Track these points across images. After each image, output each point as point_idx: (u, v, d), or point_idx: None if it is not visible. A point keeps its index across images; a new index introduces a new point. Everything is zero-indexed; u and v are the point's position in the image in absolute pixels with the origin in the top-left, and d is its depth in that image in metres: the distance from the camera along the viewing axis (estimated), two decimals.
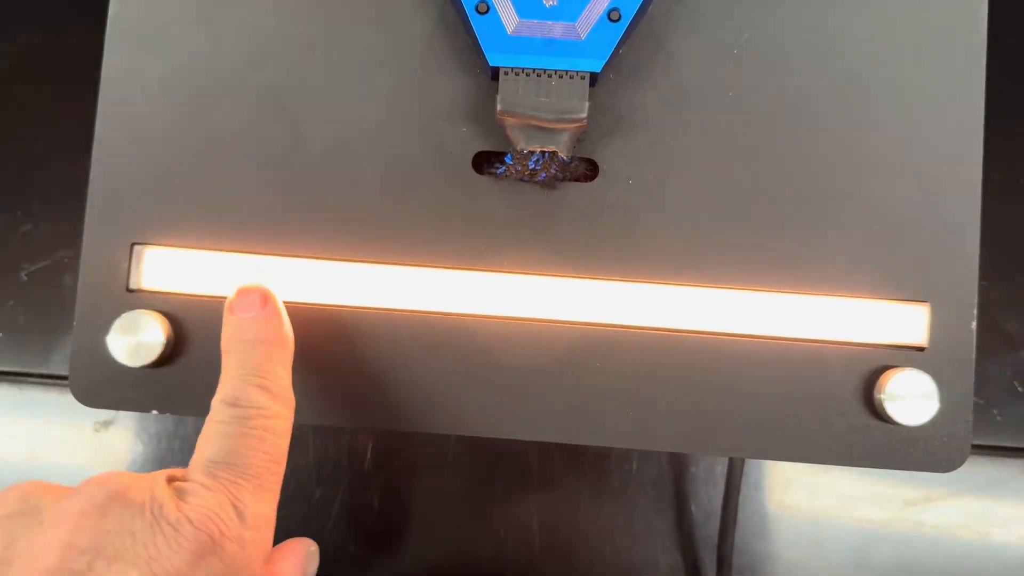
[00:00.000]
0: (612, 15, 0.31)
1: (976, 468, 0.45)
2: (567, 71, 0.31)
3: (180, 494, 0.25)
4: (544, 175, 0.32)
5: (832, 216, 0.33)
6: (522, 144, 0.31)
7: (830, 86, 0.33)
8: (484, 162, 0.33)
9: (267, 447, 0.27)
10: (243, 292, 0.30)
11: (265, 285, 0.31)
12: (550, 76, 0.31)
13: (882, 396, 0.32)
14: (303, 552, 0.30)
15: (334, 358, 0.32)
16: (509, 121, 0.31)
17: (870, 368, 0.32)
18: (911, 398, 0.32)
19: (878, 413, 0.32)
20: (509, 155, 0.32)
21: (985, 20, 0.33)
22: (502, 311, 0.33)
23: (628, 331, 0.33)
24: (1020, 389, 0.45)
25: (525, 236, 0.33)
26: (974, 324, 0.33)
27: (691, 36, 0.33)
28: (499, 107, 0.31)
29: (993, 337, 0.45)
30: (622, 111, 0.33)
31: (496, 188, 0.33)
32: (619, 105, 0.33)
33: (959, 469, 0.37)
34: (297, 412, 0.29)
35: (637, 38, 0.33)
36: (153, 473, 0.27)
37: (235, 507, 0.25)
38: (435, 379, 0.32)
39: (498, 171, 0.33)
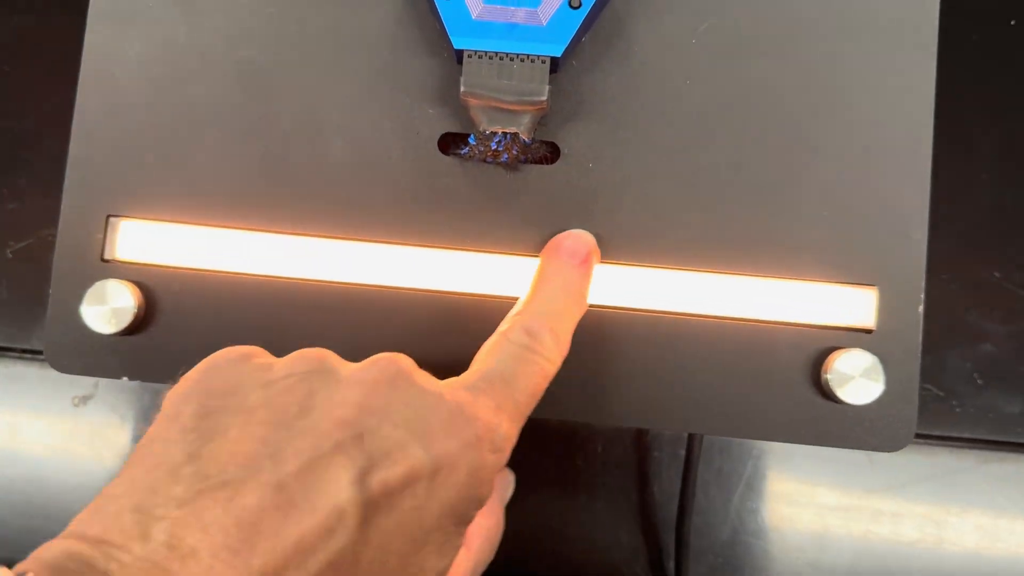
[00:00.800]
0: (572, 2, 0.32)
1: (935, 459, 0.46)
2: (529, 55, 0.32)
3: (462, 388, 0.27)
4: (506, 156, 0.33)
5: (785, 201, 0.34)
6: (484, 125, 0.32)
7: (786, 75, 0.34)
8: (450, 143, 0.34)
9: (535, 386, 0.29)
10: (573, 236, 0.33)
11: (592, 242, 0.33)
12: (512, 60, 0.32)
13: (829, 376, 0.33)
14: (504, 476, 0.33)
15: (298, 331, 0.34)
16: (472, 103, 0.32)
17: (819, 349, 0.33)
18: (857, 378, 0.33)
19: (825, 392, 0.33)
20: (472, 136, 0.33)
21: (937, 13, 0.34)
22: (463, 288, 0.34)
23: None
24: (980, 381, 0.46)
25: (488, 216, 0.34)
26: (921, 308, 0.34)
27: (651, 24, 0.34)
28: (463, 88, 0.32)
29: (954, 329, 0.46)
30: (583, 96, 0.34)
31: (460, 168, 0.34)
32: (580, 91, 0.34)
33: (919, 459, 0.37)
34: None
35: (599, 26, 0.34)
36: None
37: (498, 417, 0.27)
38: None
39: (462, 151, 0.34)
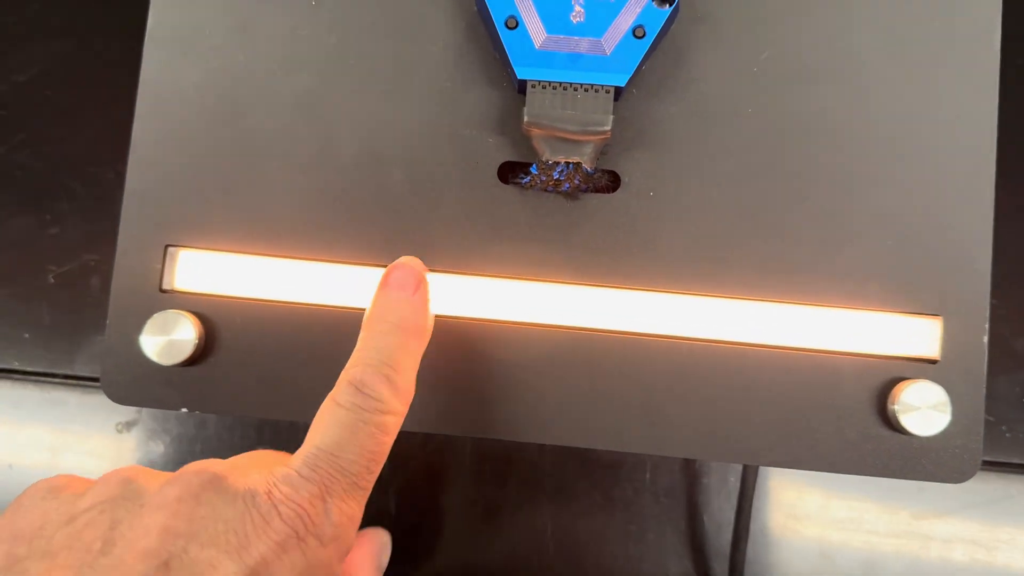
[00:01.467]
0: (637, 32, 0.32)
1: (984, 484, 0.45)
2: (593, 85, 0.32)
3: (278, 482, 0.26)
4: (568, 186, 0.33)
5: (848, 230, 0.33)
6: (547, 155, 0.32)
7: (846, 103, 0.34)
8: (509, 172, 0.34)
9: (373, 445, 0.27)
10: (401, 267, 0.31)
11: (421, 268, 0.31)
12: (576, 90, 0.32)
13: (895, 407, 0.32)
14: (377, 542, 0.31)
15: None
16: (535, 132, 0.32)
17: (884, 379, 0.33)
18: (924, 409, 0.32)
19: (891, 424, 0.33)
20: (534, 165, 0.33)
21: (998, 37, 0.34)
22: (524, 318, 0.33)
23: (646, 339, 0.33)
24: None
25: (548, 245, 0.34)
26: (986, 338, 0.33)
27: (712, 53, 0.34)
28: (526, 119, 0.32)
29: (1002, 355, 0.46)
30: (644, 125, 0.34)
31: (520, 197, 0.34)
32: (641, 119, 0.34)
33: (968, 484, 0.37)
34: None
35: (660, 54, 0.34)
36: (261, 455, 0.28)
37: (324, 503, 0.26)
38: (457, 383, 0.33)
39: (523, 181, 0.34)
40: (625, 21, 0.32)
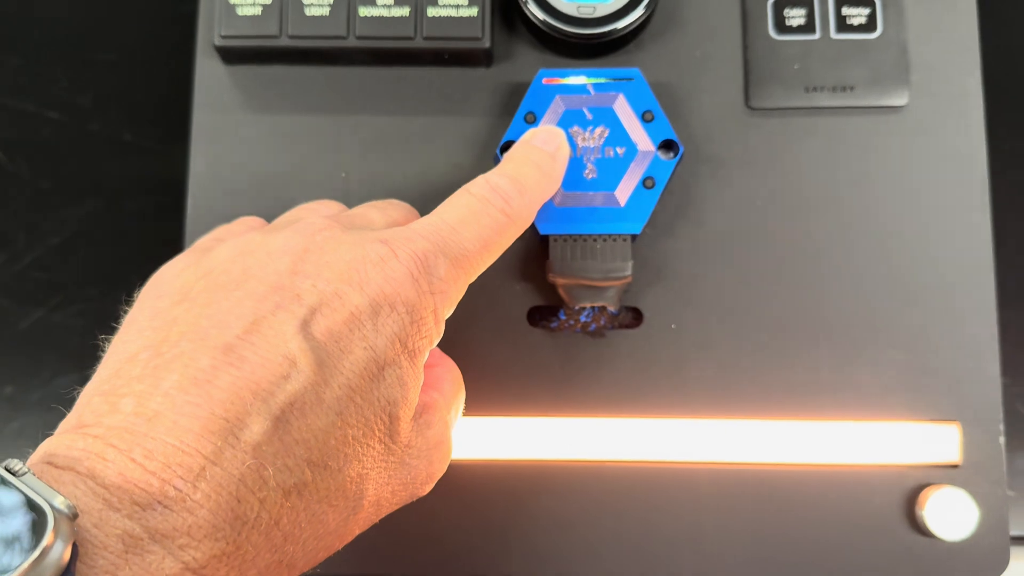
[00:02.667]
0: (647, 183, 0.34)
1: (1016, 560, 0.46)
2: (611, 235, 0.34)
3: (397, 233, 0.28)
4: (594, 326, 0.35)
5: (862, 347, 0.35)
6: (573, 302, 0.34)
7: (849, 229, 0.36)
8: (538, 316, 0.36)
9: (490, 233, 0.29)
10: (544, 130, 0.33)
11: (562, 134, 0.33)
12: (595, 240, 0.34)
13: (924, 514, 0.34)
14: (459, 379, 0.32)
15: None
16: (560, 282, 0.34)
17: (910, 487, 0.35)
18: (951, 514, 0.34)
19: (921, 530, 0.34)
20: (562, 311, 0.35)
21: (985, 151, 0.36)
22: (560, 455, 0.35)
23: (681, 467, 0.35)
24: None
25: (578, 383, 0.35)
26: (1002, 439, 0.35)
27: (718, 191, 0.36)
28: (550, 271, 0.34)
29: (1019, 429, 0.47)
30: (661, 263, 0.36)
31: (550, 340, 0.36)
32: (658, 257, 0.36)
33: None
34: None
35: (669, 195, 0.36)
36: (389, 206, 0.32)
37: (436, 258, 0.28)
38: (492, 524, 0.35)
39: (552, 325, 0.36)
40: (635, 174, 0.34)
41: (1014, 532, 0.47)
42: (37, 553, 0.19)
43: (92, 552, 0.21)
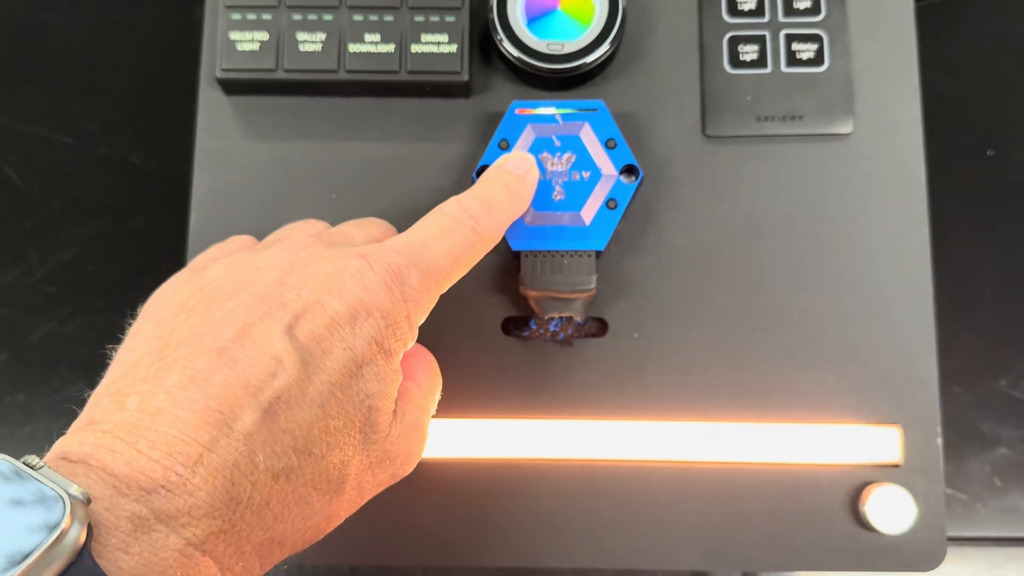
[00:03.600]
0: (610, 204, 0.37)
1: (969, 560, 0.49)
2: (576, 251, 0.37)
3: (373, 249, 0.31)
4: (563, 335, 0.38)
5: (811, 356, 0.38)
6: (543, 313, 0.37)
7: (798, 247, 0.39)
8: (511, 325, 0.39)
9: (460, 249, 0.32)
10: (515, 155, 0.36)
11: (532, 159, 0.37)
12: (563, 256, 0.37)
13: (866, 509, 0.37)
14: (435, 369, 0.35)
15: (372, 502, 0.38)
16: (531, 294, 0.37)
17: (854, 485, 0.38)
18: (892, 510, 0.37)
19: (865, 524, 0.37)
20: (533, 321, 0.38)
21: (924, 175, 0.39)
22: (532, 454, 0.38)
23: (642, 465, 0.38)
24: (999, 484, 0.50)
25: (548, 388, 0.38)
26: (939, 440, 0.38)
27: (676, 211, 0.39)
28: (521, 284, 0.37)
29: (971, 438, 0.50)
30: (624, 277, 0.39)
31: (522, 348, 0.39)
32: (621, 272, 0.39)
33: (954, 562, 0.41)
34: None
35: (632, 216, 0.39)
36: (366, 225, 0.36)
37: (409, 271, 0.31)
38: (469, 516, 0.38)
39: (524, 334, 0.39)
40: (599, 196, 0.37)
41: (970, 533, 0.50)
42: (56, 534, 0.22)
43: (105, 532, 0.24)
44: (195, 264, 0.35)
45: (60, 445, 0.26)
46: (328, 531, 0.30)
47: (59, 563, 0.22)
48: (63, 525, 0.22)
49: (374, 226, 0.36)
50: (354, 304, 0.29)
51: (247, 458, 0.26)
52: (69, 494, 0.23)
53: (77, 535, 0.22)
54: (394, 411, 0.31)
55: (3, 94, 0.53)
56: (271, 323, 0.28)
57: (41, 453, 0.26)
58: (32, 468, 0.23)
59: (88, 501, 0.23)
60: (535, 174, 0.36)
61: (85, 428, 0.27)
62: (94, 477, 0.25)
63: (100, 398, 0.28)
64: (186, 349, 0.28)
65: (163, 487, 0.25)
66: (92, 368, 0.51)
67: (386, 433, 0.30)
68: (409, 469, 0.33)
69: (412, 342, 0.31)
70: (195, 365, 0.27)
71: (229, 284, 0.30)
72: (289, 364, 0.28)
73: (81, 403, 0.30)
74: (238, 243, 0.36)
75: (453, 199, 0.33)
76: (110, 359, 0.32)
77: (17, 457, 0.24)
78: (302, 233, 0.34)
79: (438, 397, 0.35)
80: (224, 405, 0.26)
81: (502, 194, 0.34)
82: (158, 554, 0.24)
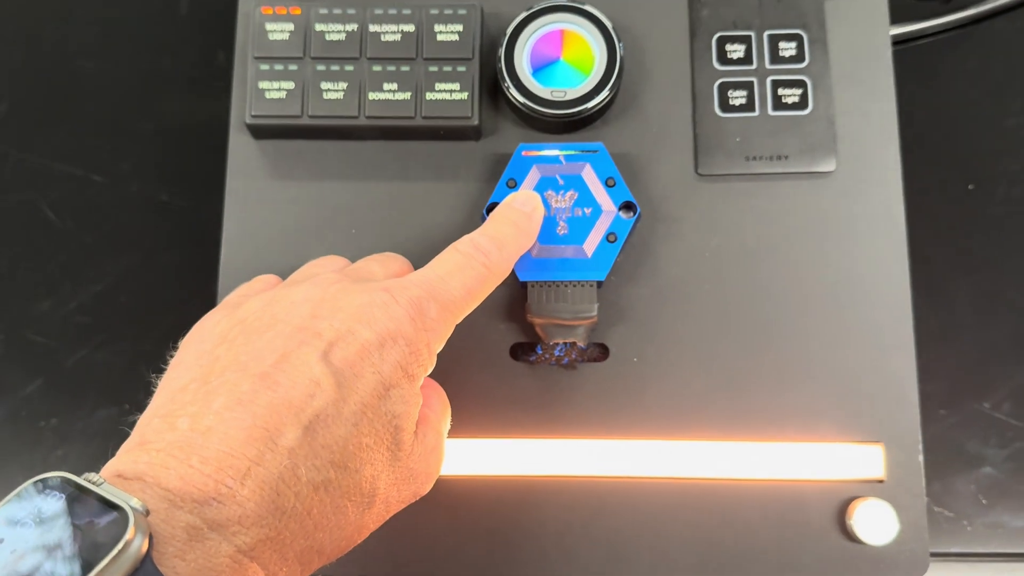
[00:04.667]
0: (610, 238, 0.40)
1: (953, 574, 0.51)
2: (579, 281, 0.40)
3: (396, 283, 0.34)
4: (567, 360, 0.41)
5: (800, 379, 0.41)
6: (548, 339, 0.40)
7: (785, 277, 0.42)
8: (519, 351, 0.42)
9: (473, 283, 0.35)
10: (522, 194, 0.40)
11: (538, 198, 0.40)
12: (566, 286, 0.40)
13: (852, 522, 0.39)
14: (444, 399, 0.38)
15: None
16: (537, 322, 0.40)
17: (840, 500, 0.40)
18: (876, 523, 0.39)
19: (851, 536, 0.40)
20: (539, 347, 0.41)
21: (903, 210, 0.42)
22: (538, 472, 0.41)
23: (643, 481, 0.40)
24: (984, 501, 0.52)
25: (554, 410, 0.41)
26: (921, 458, 0.40)
27: (671, 245, 0.42)
28: (528, 313, 0.40)
29: (957, 458, 0.53)
30: (624, 304, 0.42)
31: (529, 372, 0.42)
32: (621, 300, 0.42)
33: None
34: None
35: (631, 248, 0.42)
36: (387, 261, 0.38)
37: (429, 303, 0.33)
38: (479, 530, 0.40)
39: (531, 359, 0.41)
40: (600, 231, 0.40)
41: (957, 549, 0.52)
42: (121, 545, 0.24)
43: (163, 542, 0.26)
44: (229, 301, 0.38)
45: (114, 464, 0.29)
46: (358, 542, 0.33)
47: (125, 569, 0.24)
48: (127, 536, 0.24)
49: (392, 261, 0.39)
50: (382, 333, 0.32)
51: (291, 471, 0.29)
52: (131, 507, 0.25)
53: (140, 544, 0.25)
54: (415, 432, 0.34)
55: (40, 135, 0.56)
56: (308, 350, 0.31)
57: (75, 474, 0.28)
58: (94, 484, 0.26)
59: (147, 513, 0.26)
60: (540, 211, 0.39)
61: (138, 448, 0.29)
62: (150, 492, 0.27)
63: (151, 420, 0.31)
64: (231, 374, 0.31)
65: (215, 499, 0.27)
66: (122, 393, 0.54)
67: (409, 451, 0.33)
68: (428, 488, 0.35)
69: (431, 367, 0.34)
70: (241, 388, 0.30)
71: (267, 316, 0.33)
72: (326, 386, 0.30)
73: (109, 428, 0.32)
74: (265, 281, 0.39)
75: (466, 237, 0.36)
76: (143, 386, 0.35)
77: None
78: (327, 269, 0.37)
79: (449, 424, 0.38)
80: (269, 423, 0.29)
81: (510, 231, 0.37)
82: (211, 560, 0.26)
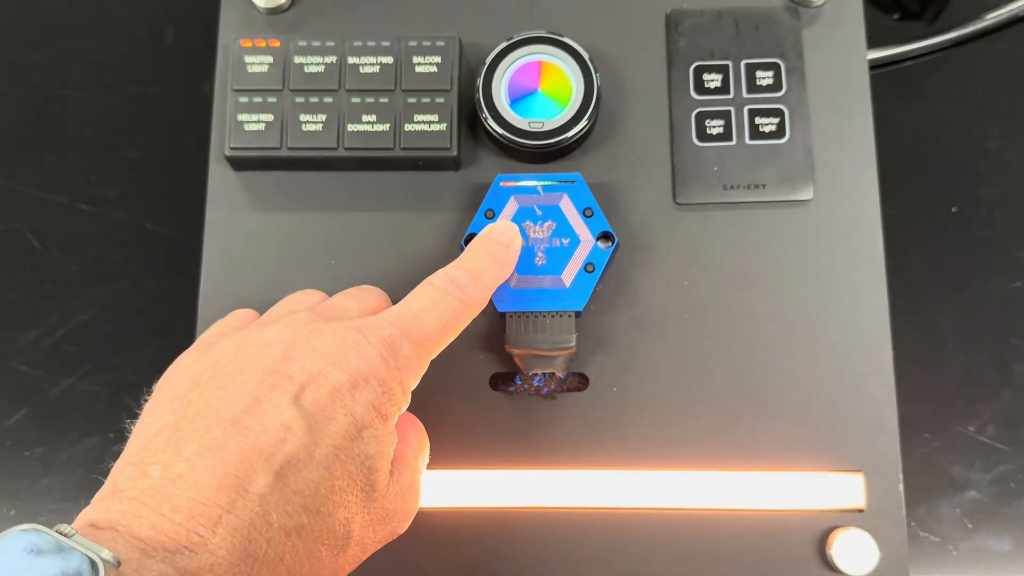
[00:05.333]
0: (588, 268, 0.40)
1: None
2: (558, 312, 0.40)
3: (369, 323, 0.34)
4: (546, 390, 0.41)
5: (779, 408, 0.41)
6: (527, 369, 0.40)
7: (763, 305, 0.42)
8: (498, 381, 0.42)
9: (448, 318, 0.35)
10: (500, 225, 0.40)
11: (516, 229, 0.40)
12: (545, 316, 0.40)
13: (832, 552, 0.39)
14: (422, 432, 0.38)
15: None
16: (516, 352, 0.40)
17: (821, 529, 0.40)
18: (857, 552, 0.39)
19: (831, 566, 0.40)
20: (518, 377, 0.41)
21: (880, 237, 0.42)
22: (517, 503, 0.41)
23: (622, 512, 0.40)
24: (969, 526, 0.52)
25: (533, 440, 0.41)
26: (901, 487, 0.40)
27: (649, 274, 0.42)
28: (507, 343, 0.40)
29: (942, 482, 0.53)
30: (603, 334, 0.42)
31: (508, 402, 0.42)
32: (600, 330, 0.42)
33: None
34: None
35: (609, 278, 0.42)
36: (362, 296, 0.38)
37: (402, 342, 0.33)
38: (459, 562, 0.40)
39: (510, 389, 0.41)
40: (578, 261, 0.40)
41: (935, 574, 0.52)
42: None
43: None
44: (202, 341, 0.38)
45: (88, 513, 0.29)
46: None
47: None
48: None
49: (368, 295, 0.39)
50: (353, 374, 0.32)
51: (262, 517, 0.29)
52: (102, 558, 0.25)
53: None
54: (391, 471, 0.34)
55: (25, 163, 0.57)
56: (279, 394, 0.31)
57: (59, 503, 0.28)
58: (66, 536, 0.26)
59: (118, 564, 0.26)
60: (518, 242, 0.39)
61: (111, 496, 0.29)
62: (122, 542, 0.27)
63: (124, 468, 0.31)
64: (202, 420, 0.31)
65: (186, 547, 0.27)
66: (108, 423, 0.54)
67: (384, 491, 0.33)
68: (405, 527, 0.35)
69: (406, 406, 0.34)
70: (211, 434, 0.30)
71: (239, 359, 0.33)
72: (297, 430, 0.30)
73: (94, 458, 0.32)
74: (240, 318, 0.39)
75: (441, 271, 0.36)
76: (127, 423, 0.35)
77: (38, 517, 0.27)
78: (301, 306, 0.37)
79: (427, 459, 0.38)
80: (240, 470, 0.29)
81: (487, 262, 0.37)
82: None
